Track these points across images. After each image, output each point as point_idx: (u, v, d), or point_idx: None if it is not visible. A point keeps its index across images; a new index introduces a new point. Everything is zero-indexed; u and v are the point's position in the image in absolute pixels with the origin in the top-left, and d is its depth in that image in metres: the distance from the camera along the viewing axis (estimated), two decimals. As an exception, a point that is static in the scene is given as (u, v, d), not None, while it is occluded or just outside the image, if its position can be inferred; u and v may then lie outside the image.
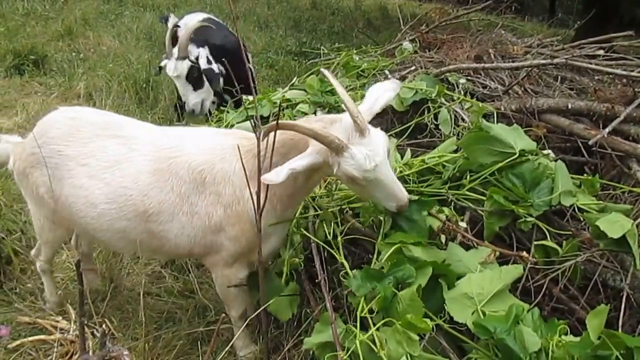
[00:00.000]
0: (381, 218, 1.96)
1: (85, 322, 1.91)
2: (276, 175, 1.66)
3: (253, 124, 1.84)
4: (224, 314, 2.32)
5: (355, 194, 2.02)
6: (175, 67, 3.61)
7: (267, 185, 1.79)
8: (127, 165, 2.04)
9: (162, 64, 3.75)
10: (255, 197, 1.79)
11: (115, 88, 4.93)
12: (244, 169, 1.84)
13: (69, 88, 5.06)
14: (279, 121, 1.68)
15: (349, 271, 1.86)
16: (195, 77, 3.68)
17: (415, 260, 1.76)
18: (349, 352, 1.59)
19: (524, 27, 6.03)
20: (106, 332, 1.72)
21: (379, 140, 1.72)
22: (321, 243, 2.08)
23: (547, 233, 1.92)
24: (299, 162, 1.72)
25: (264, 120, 3.04)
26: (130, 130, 2.13)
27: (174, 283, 2.83)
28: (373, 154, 1.68)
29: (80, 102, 4.77)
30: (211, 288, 2.73)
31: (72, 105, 4.65)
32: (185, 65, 3.61)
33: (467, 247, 1.88)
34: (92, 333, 2.08)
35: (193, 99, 3.69)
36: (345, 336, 1.65)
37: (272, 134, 1.76)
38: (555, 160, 2.16)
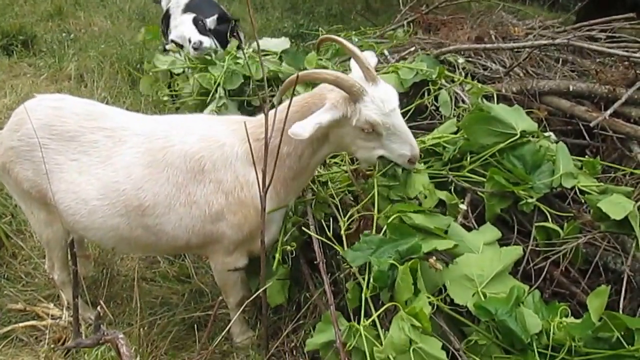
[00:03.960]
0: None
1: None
2: (302, 129, 1.68)
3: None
4: (220, 298, 2.29)
5: (363, 156, 1.90)
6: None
7: (274, 169, 1.76)
8: (119, 159, 1.95)
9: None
10: (261, 179, 1.76)
11: (107, 69, 4.81)
12: (252, 153, 1.80)
13: (59, 69, 4.93)
14: (300, 73, 1.74)
15: (342, 250, 1.82)
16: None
17: (418, 228, 1.72)
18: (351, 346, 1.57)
19: (525, 10, 5.95)
20: (101, 314, 1.68)
21: (389, 87, 1.83)
22: (313, 234, 2.03)
23: (548, 215, 1.90)
24: (323, 116, 1.74)
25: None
26: (118, 121, 2.03)
27: (169, 268, 2.79)
28: (388, 98, 1.78)
29: (71, 84, 4.66)
30: (207, 272, 2.70)
31: (63, 87, 4.59)
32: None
33: (468, 230, 1.85)
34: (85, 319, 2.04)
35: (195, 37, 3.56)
36: (349, 334, 1.61)
37: (284, 108, 1.77)
38: (557, 143, 2.12)
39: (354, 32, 3.82)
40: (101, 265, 2.68)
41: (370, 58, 1.93)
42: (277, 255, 2.08)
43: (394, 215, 1.77)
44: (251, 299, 2.00)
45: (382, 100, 1.76)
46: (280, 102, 1.94)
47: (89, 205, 1.97)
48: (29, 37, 5.38)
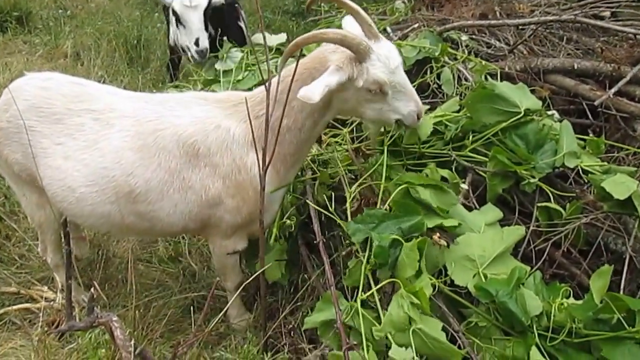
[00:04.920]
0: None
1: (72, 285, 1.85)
2: (312, 93, 1.58)
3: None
4: (217, 279, 2.27)
5: (373, 117, 1.85)
6: None
7: (274, 146, 1.71)
8: (107, 143, 1.88)
9: None
10: (261, 158, 1.71)
11: (104, 47, 4.74)
12: (252, 132, 1.74)
13: (55, 47, 4.86)
14: (304, 35, 1.67)
15: (343, 224, 1.78)
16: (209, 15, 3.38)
17: (422, 203, 1.68)
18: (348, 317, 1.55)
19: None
20: (94, 296, 1.65)
21: (390, 44, 1.76)
22: (317, 208, 2.00)
23: (550, 195, 1.86)
24: (331, 78, 1.65)
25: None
26: (107, 102, 1.95)
27: (165, 247, 2.77)
28: (392, 54, 1.72)
29: (67, 62, 4.59)
30: (200, 251, 2.68)
31: (59, 65, 4.51)
32: None
33: (469, 210, 1.82)
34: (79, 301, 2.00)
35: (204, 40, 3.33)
36: (348, 314, 1.59)
37: (283, 78, 1.72)
38: (560, 121, 2.08)
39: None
40: (96, 247, 2.66)
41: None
42: (274, 230, 2.05)
43: (403, 185, 1.72)
44: (249, 280, 1.98)
45: (387, 58, 1.69)
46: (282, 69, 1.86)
47: (77, 192, 1.90)
48: (23, 14, 5.28)
